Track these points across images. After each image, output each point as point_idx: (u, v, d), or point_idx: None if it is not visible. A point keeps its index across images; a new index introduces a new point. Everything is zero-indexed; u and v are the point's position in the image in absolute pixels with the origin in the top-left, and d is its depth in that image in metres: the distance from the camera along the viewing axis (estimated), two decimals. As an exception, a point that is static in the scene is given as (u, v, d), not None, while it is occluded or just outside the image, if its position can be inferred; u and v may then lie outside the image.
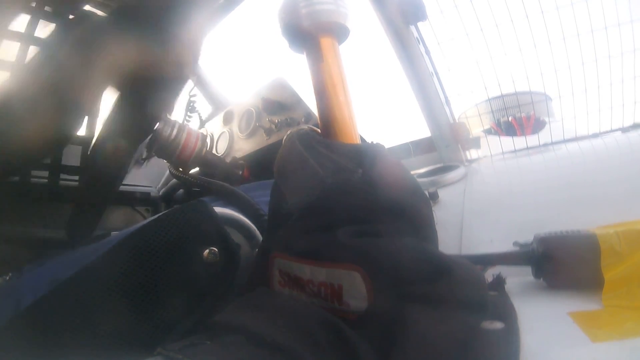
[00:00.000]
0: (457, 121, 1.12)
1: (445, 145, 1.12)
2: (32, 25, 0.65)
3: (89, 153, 0.65)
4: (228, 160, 1.06)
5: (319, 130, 0.45)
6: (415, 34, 1.04)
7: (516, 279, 0.44)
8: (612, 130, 0.99)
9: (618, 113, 0.97)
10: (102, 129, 0.65)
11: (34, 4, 0.73)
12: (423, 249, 0.35)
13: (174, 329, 0.40)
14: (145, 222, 0.46)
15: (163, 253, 0.41)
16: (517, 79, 1.01)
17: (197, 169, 1.04)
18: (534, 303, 0.39)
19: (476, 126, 1.21)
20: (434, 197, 0.86)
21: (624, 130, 0.97)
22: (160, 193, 1.22)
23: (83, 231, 0.68)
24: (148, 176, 1.04)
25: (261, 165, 1.04)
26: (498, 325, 0.32)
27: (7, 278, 0.53)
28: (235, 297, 0.40)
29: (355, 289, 0.33)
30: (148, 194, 1.23)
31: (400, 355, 0.28)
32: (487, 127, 1.46)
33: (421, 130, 1.19)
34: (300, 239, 0.38)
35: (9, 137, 0.46)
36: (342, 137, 0.43)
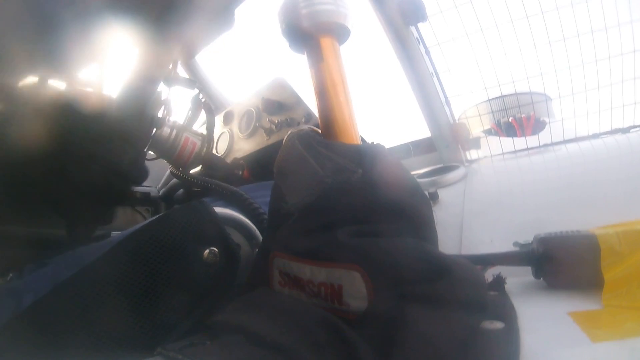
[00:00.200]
0: (457, 121, 1.12)
1: (445, 146, 1.12)
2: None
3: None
4: (228, 160, 1.06)
5: (319, 131, 0.45)
6: (415, 34, 1.04)
7: (516, 279, 0.44)
8: (612, 131, 0.99)
9: (618, 114, 0.97)
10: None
11: None
12: (423, 249, 0.35)
13: (174, 329, 0.40)
14: (145, 222, 0.46)
15: (163, 253, 0.41)
16: (517, 79, 1.01)
17: (197, 169, 1.04)
18: (534, 303, 0.39)
19: (476, 126, 1.21)
20: (434, 197, 0.86)
21: (624, 131, 0.97)
22: (160, 193, 1.22)
23: (84, 231, 0.68)
24: (149, 176, 1.04)
25: (261, 165, 1.04)
26: (498, 325, 0.32)
27: (8, 278, 0.53)
28: (235, 297, 0.40)
29: (355, 289, 0.33)
30: (148, 194, 1.23)
31: (400, 355, 0.28)
32: (487, 127, 1.46)
33: (421, 130, 1.20)
34: (300, 239, 0.38)
35: None
36: (342, 137, 0.43)
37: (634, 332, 0.30)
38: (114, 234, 0.74)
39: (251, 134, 1.06)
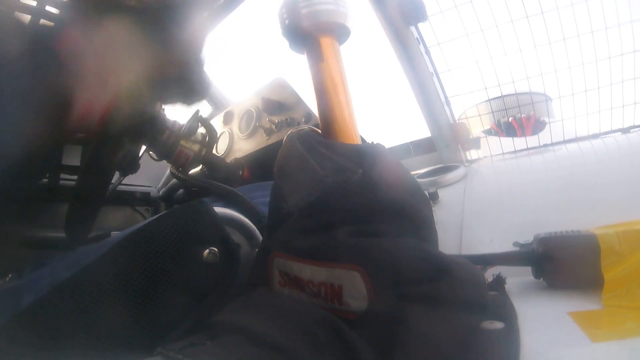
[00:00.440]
0: (457, 121, 1.12)
1: (445, 146, 1.12)
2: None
3: (89, 152, 0.65)
4: (228, 160, 1.06)
5: (319, 131, 0.45)
6: (415, 34, 1.04)
7: (516, 279, 0.44)
8: (612, 131, 0.99)
9: (618, 114, 0.97)
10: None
11: None
12: (423, 249, 0.35)
13: (174, 329, 0.40)
14: (145, 222, 0.46)
15: (163, 253, 0.41)
16: (517, 79, 1.01)
17: (197, 168, 1.04)
18: (534, 303, 0.39)
19: (476, 126, 1.21)
20: (434, 197, 0.86)
21: (624, 131, 0.97)
22: (160, 193, 1.22)
23: (80, 230, 0.68)
24: (148, 176, 1.04)
25: (261, 165, 1.04)
26: (498, 325, 0.32)
27: (7, 279, 0.53)
28: (235, 297, 0.40)
29: (356, 289, 0.33)
30: (148, 194, 1.23)
31: (400, 355, 0.28)
32: (487, 127, 1.46)
33: (421, 130, 1.19)
34: (300, 239, 0.38)
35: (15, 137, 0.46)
36: (342, 137, 0.43)
37: (634, 332, 0.30)
38: (114, 233, 0.75)
39: (251, 134, 1.06)
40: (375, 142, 0.42)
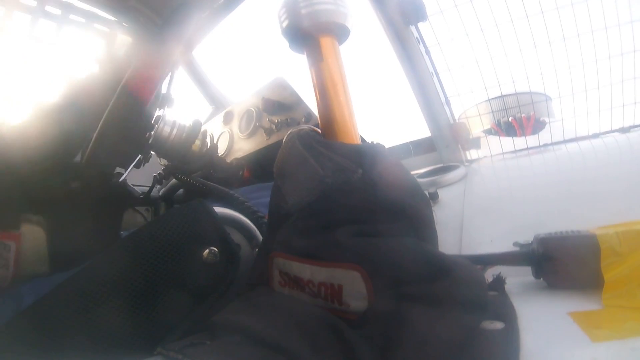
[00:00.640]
0: (457, 121, 1.12)
1: (445, 145, 1.12)
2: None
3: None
4: (228, 160, 1.06)
5: (319, 130, 0.45)
6: (415, 34, 1.04)
7: (516, 279, 0.44)
8: (612, 131, 0.99)
9: (618, 113, 0.97)
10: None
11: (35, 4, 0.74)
12: (423, 249, 0.35)
13: (174, 329, 0.40)
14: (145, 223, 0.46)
15: (163, 253, 0.41)
16: (517, 79, 1.01)
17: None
18: (534, 303, 0.39)
19: (476, 126, 1.21)
20: (434, 197, 0.86)
21: (624, 130, 0.97)
22: (160, 193, 1.22)
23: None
24: (148, 176, 1.04)
25: (261, 165, 1.04)
26: (498, 325, 0.32)
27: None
28: (235, 297, 0.40)
29: (355, 289, 0.33)
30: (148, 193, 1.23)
31: (400, 355, 0.28)
32: (487, 127, 1.46)
33: (421, 130, 1.19)
34: (300, 239, 0.38)
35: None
36: (342, 137, 0.43)
37: (634, 332, 0.30)
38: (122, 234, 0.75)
39: (251, 134, 1.06)
40: (375, 142, 0.42)
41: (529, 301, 0.39)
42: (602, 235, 0.38)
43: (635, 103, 0.94)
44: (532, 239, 0.44)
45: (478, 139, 1.12)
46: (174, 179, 0.91)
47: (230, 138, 1.13)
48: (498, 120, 1.43)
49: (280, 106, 0.99)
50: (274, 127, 0.98)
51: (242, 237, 0.53)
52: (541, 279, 0.42)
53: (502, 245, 0.50)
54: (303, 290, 0.37)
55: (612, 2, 0.87)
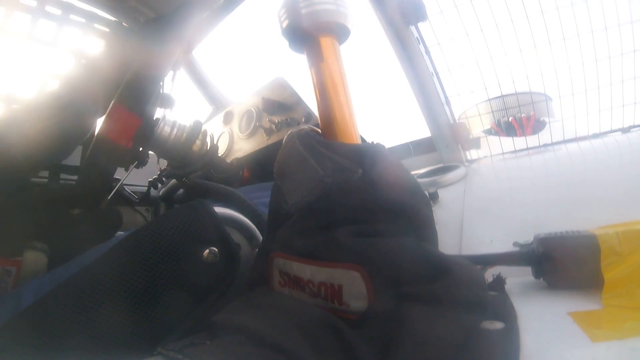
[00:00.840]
0: (457, 121, 1.12)
1: (445, 145, 1.12)
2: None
3: (88, 153, 0.65)
4: (228, 160, 1.06)
5: (319, 130, 0.45)
6: (415, 34, 1.04)
7: (516, 279, 0.44)
8: (612, 131, 0.99)
9: (618, 113, 0.97)
10: (101, 129, 0.65)
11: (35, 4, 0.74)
12: (423, 249, 0.35)
13: (174, 329, 0.40)
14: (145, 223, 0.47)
15: (163, 253, 0.41)
16: (517, 79, 1.01)
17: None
18: (534, 303, 0.39)
19: (476, 126, 1.21)
20: (434, 197, 0.86)
21: (624, 130, 0.97)
22: (161, 193, 1.21)
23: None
24: (148, 176, 1.04)
25: (261, 165, 1.04)
26: (498, 325, 0.32)
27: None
28: (235, 297, 0.40)
29: (355, 289, 0.33)
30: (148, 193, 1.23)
31: (400, 356, 0.28)
32: (487, 127, 1.46)
33: (421, 130, 1.19)
34: (300, 239, 0.38)
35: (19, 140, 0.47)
36: (342, 137, 0.43)
37: (634, 332, 0.30)
38: (118, 234, 0.75)
39: (251, 134, 1.06)
40: (375, 142, 0.42)
41: (529, 301, 0.39)
42: (602, 235, 0.38)
43: (635, 103, 0.94)
44: (532, 239, 0.44)
45: (478, 139, 1.12)
46: (174, 179, 0.91)
47: (230, 138, 1.13)
48: (498, 120, 1.43)
49: (280, 106, 0.99)
50: (274, 127, 0.98)
51: (242, 237, 0.53)
52: (541, 279, 0.42)
53: (502, 245, 0.50)
54: (303, 290, 0.37)
55: (612, 2, 0.87)
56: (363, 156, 0.39)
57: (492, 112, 1.26)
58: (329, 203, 0.38)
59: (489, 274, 0.42)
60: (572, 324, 0.32)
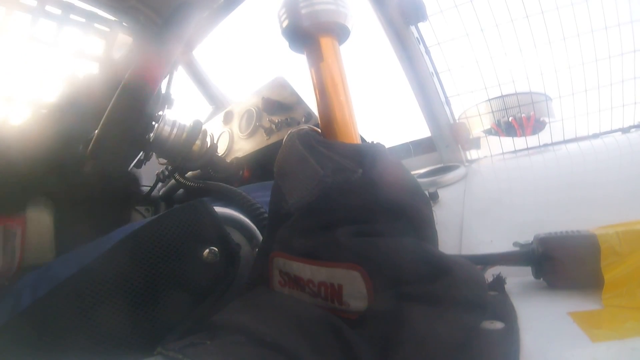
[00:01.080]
0: (457, 121, 1.12)
1: (445, 145, 1.12)
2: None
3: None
4: (228, 160, 1.06)
5: (319, 130, 0.45)
6: (415, 34, 1.04)
7: (516, 279, 0.44)
8: (612, 131, 0.99)
9: (618, 113, 0.97)
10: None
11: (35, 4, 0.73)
12: (423, 248, 0.35)
13: (174, 329, 0.40)
14: (144, 220, 0.46)
15: (163, 253, 0.41)
16: (517, 79, 1.01)
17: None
18: (534, 303, 0.39)
19: (476, 126, 1.21)
20: (434, 197, 0.86)
21: (624, 130, 0.97)
22: (160, 193, 1.21)
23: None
24: (148, 176, 1.04)
25: (261, 165, 1.04)
26: (498, 325, 0.32)
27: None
28: (235, 297, 0.40)
29: (355, 289, 0.33)
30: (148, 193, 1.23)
31: (400, 355, 0.28)
32: (487, 127, 1.46)
33: (421, 130, 1.19)
34: (300, 239, 0.38)
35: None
36: (342, 137, 0.43)
37: (634, 332, 0.30)
38: (117, 231, 0.75)
39: (251, 134, 1.06)
40: (375, 142, 0.42)
41: (529, 301, 0.39)
42: (602, 235, 0.38)
43: (635, 103, 0.94)
44: (532, 239, 0.44)
45: (478, 139, 1.12)
46: (174, 180, 0.91)
47: (230, 138, 1.13)
48: (498, 120, 1.43)
49: (280, 106, 0.98)
50: (274, 127, 0.98)
51: (242, 237, 0.53)
52: (541, 279, 0.42)
53: (502, 245, 0.50)
54: (303, 290, 0.37)
55: (612, 2, 0.87)
56: (363, 156, 0.39)
57: (492, 112, 1.26)
58: (329, 203, 0.38)
59: (489, 274, 0.42)
60: (572, 324, 0.32)
